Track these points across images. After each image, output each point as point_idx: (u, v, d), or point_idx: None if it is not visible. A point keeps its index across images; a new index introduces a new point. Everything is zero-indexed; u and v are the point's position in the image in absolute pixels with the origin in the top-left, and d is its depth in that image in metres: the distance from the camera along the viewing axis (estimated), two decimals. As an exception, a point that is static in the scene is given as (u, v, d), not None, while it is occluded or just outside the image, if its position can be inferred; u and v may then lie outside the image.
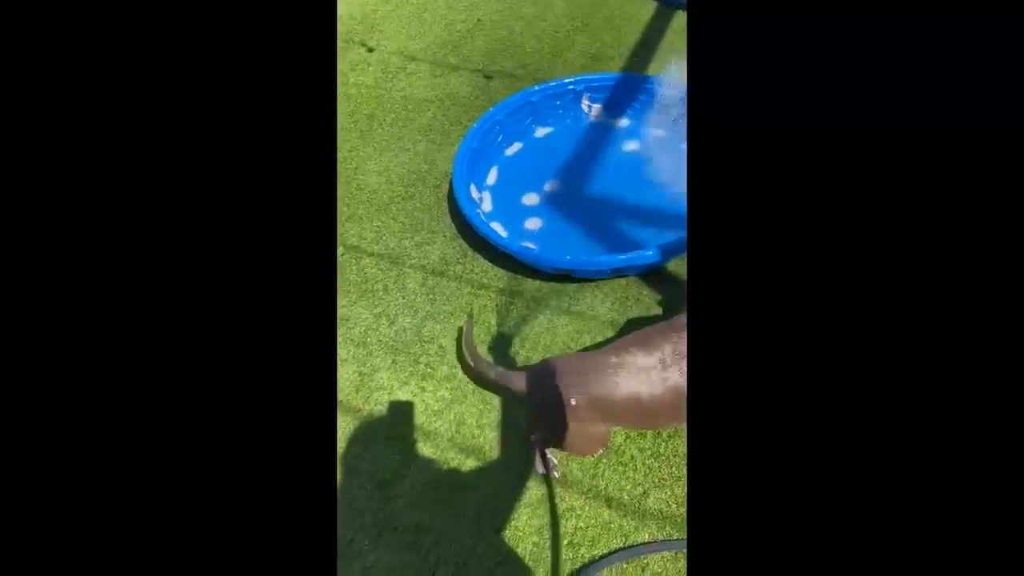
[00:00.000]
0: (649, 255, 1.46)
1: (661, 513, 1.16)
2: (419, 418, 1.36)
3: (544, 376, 1.16)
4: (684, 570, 1.10)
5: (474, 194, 1.81)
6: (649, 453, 1.25)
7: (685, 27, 2.32)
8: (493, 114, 1.94)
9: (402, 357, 1.48)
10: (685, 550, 1.11)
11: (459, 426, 1.34)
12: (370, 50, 2.51)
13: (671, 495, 1.18)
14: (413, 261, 1.70)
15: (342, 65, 2.44)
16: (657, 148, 1.89)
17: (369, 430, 1.36)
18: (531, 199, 1.83)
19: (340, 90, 2.32)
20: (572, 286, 1.58)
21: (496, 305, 1.57)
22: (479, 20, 2.59)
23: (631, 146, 1.93)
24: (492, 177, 1.92)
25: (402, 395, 1.41)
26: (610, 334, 1.46)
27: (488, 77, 2.31)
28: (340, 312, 1.60)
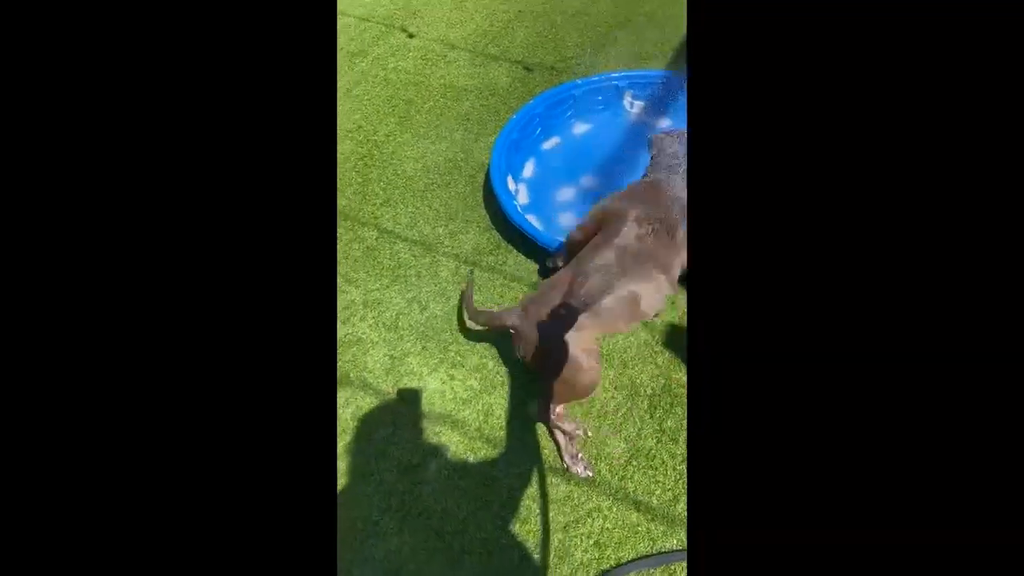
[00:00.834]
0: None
1: (690, 519, 1.14)
2: (447, 406, 1.36)
3: (535, 303, 1.21)
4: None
5: (511, 186, 1.80)
6: (680, 458, 1.23)
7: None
8: (534, 106, 1.93)
9: (432, 344, 1.48)
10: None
11: (487, 416, 1.33)
12: (410, 36, 2.50)
13: (701, 501, 1.16)
14: (446, 249, 1.70)
15: (381, 50, 2.44)
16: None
17: (397, 414, 1.36)
18: (567, 194, 1.81)
19: (379, 75, 2.32)
20: (606, 284, 1.56)
21: (529, 298, 1.56)
22: (520, 11, 2.57)
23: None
24: (529, 170, 1.91)
25: (431, 381, 1.41)
26: (642, 333, 1.44)
27: (528, 69, 2.30)
28: (372, 295, 1.60)
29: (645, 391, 1.34)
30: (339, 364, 1.45)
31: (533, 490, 1.21)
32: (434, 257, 1.68)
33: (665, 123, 1.97)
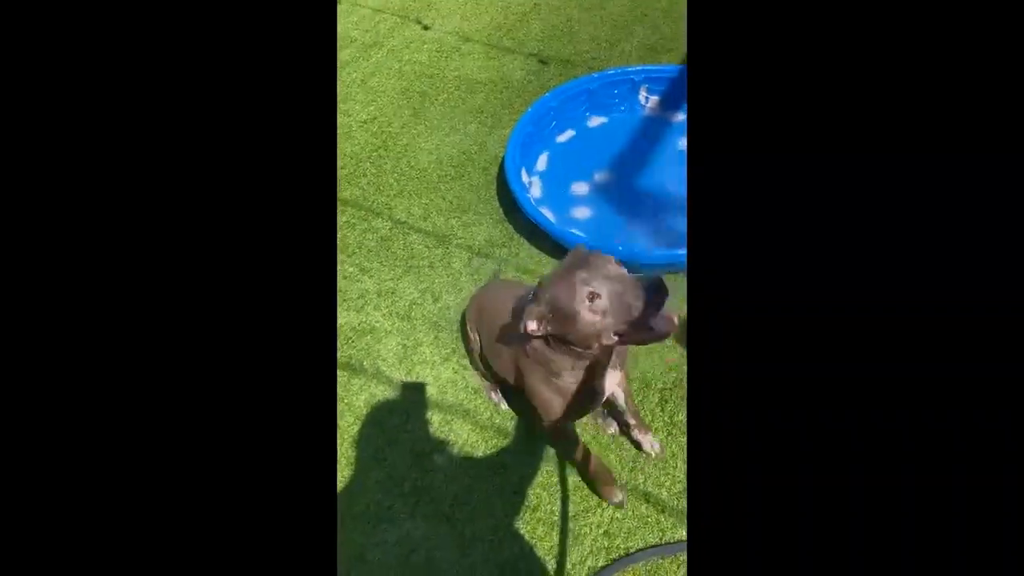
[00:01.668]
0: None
1: (699, 512, 1.15)
2: (459, 395, 1.37)
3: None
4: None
5: (524, 179, 1.80)
6: (690, 451, 1.24)
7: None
8: (549, 99, 1.93)
9: (445, 334, 1.49)
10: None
11: (497, 406, 1.35)
12: (425, 28, 2.51)
13: (711, 495, 1.17)
14: (459, 240, 1.71)
15: (396, 41, 2.45)
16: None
17: (410, 402, 1.37)
18: (580, 188, 1.81)
19: (394, 66, 2.32)
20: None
21: (541, 291, 1.57)
22: (536, 4, 2.56)
23: (685, 143, 1.89)
24: (542, 163, 1.91)
25: (444, 371, 1.42)
26: (656, 329, 1.44)
27: (543, 62, 2.29)
28: (385, 285, 1.61)
29: (656, 385, 1.34)
30: (353, 352, 1.47)
31: (543, 479, 1.22)
32: (447, 248, 1.69)
33: (680, 117, 1.96)
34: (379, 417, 1.35)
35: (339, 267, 1.65)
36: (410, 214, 1.80)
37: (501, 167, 1.84)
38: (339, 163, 1.95)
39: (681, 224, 1.67)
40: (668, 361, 1.37)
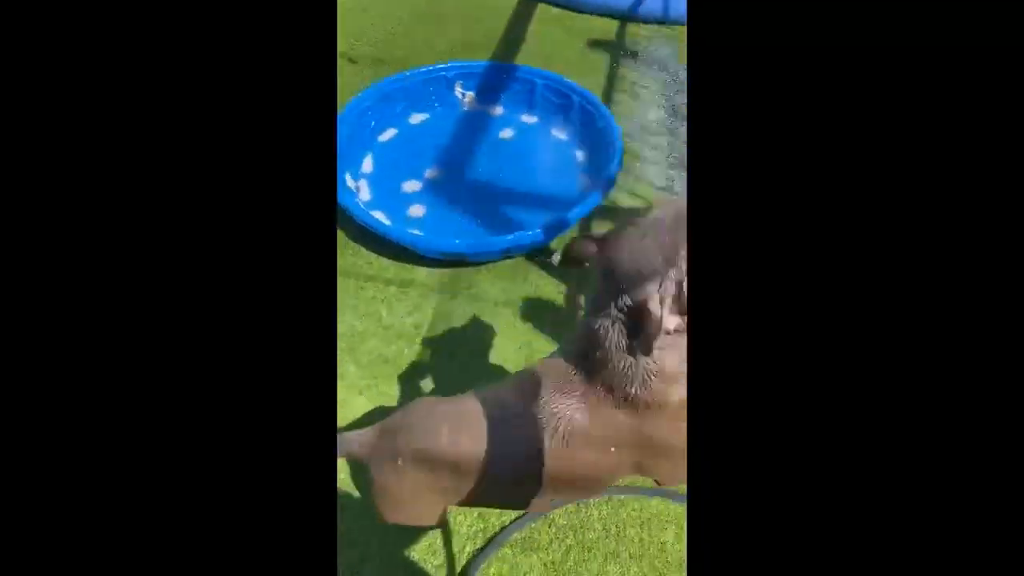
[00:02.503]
0: (535, 234, 1.51)
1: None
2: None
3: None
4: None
5: (349, 183, 1.71)
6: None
7: (547, 18, 2.45)
8: (362, 99, 1.85)
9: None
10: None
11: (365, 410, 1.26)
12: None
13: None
14: (286, 257, 1.55)
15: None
16: (531, 135, 1.96)
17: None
18: (412, 186, 1.78)
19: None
20: (462, 271, 1.57)
21: (385, 296, 1.51)
22: (340, 3, 2.43)
23: (506, 133, 1.97)
24: (368, 165, 1.83)
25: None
26: (506, 312, 1.48)
27: (352, 61, 2.19)
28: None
29: (512, 366, 1.38)
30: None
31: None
32: (273, 268, 1.52)
33: (499, 111, 2.04)
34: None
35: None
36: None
37: (322, 173, 1.71)
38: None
39: (509, 210, 1.74)
40: None
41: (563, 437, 0.73)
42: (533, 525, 1.12)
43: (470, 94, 2.05)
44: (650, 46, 2.30)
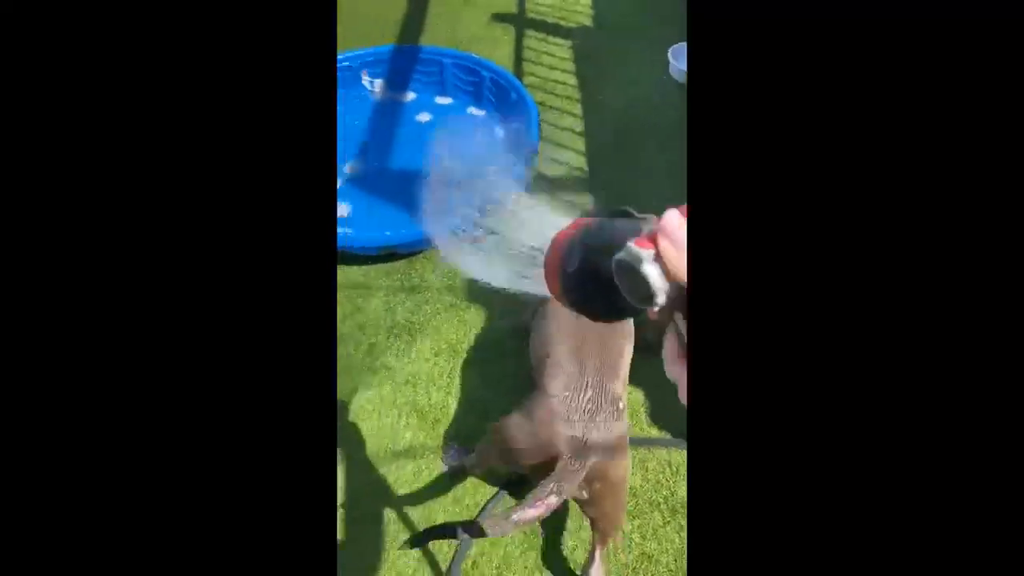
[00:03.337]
0: (465, 215, 1.51)
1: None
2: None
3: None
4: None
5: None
6: (507, 399, 1.33)
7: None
8: (265, 100, 1.75)
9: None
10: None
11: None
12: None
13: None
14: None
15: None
16: (447, 115, 1.94)
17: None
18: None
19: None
20: (398, 263, 1.55)
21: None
22: None
23: (423, 117, 1.94)
24: (282, 169, 1.75)
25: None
26: (450, 299, 1.49)
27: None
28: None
29: (462, 347, 1.39)
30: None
31: (384, 483, 1.18)
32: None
33: (411, 96, 2.00)
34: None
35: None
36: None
37: (234, 184, 1.62)
38: None
39: (439, 196, 1.73)
40: None
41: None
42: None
43: (379, 82, 1.99)
44: (553, 15, 2.31)
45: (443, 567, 1.08)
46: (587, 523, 1.02)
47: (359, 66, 1.94)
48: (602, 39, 2.20)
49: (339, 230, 1.55)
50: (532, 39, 2.21)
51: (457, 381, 1.33)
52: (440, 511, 1.14)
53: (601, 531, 0.99)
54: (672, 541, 1.11)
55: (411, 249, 1.56)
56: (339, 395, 1.30)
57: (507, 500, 1.15)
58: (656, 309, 0.30)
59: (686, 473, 1.12)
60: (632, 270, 0.29)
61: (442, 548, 1.09)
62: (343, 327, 1.42)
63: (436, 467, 1.21)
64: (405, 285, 1.51)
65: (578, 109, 1.95)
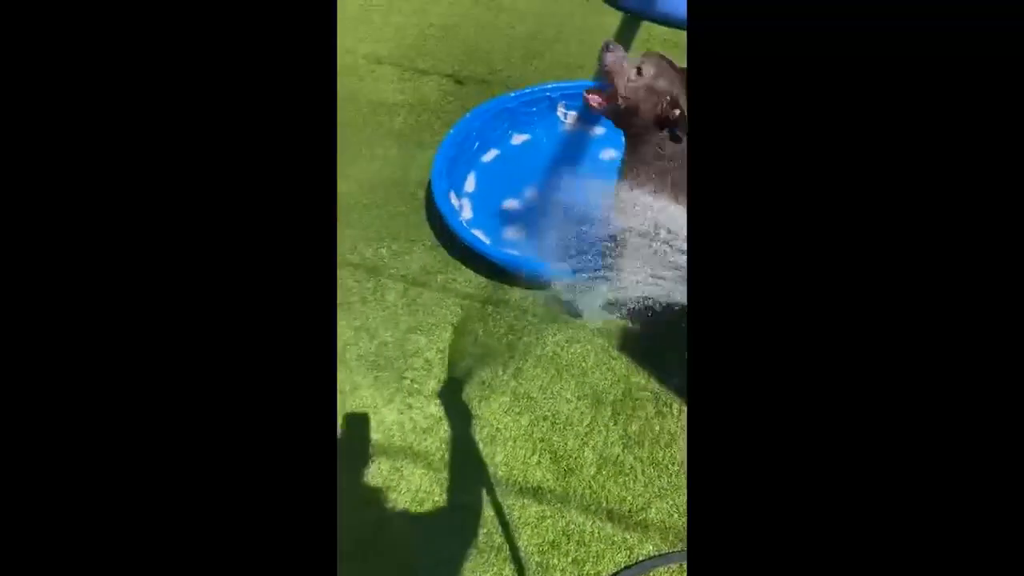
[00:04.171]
0: (636, 262, 1.46)
1: (664, 524, 1.15)
2: (407, 438, 1.29)
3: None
4: (690, 580, 1.09)
5: (454, 201, 1.76)
6: (648, 462, 1.24)
7: (650, 37, 2.39)
8: (470, 121, 1.91)
9: (385, 373, 1.40)
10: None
11: (449, 443, 1.28)
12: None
13: (672, 505, 1.17)
14: (392, 271, 1.63)
15: (304, 67, 2.33)
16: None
17: (352, 452, 1.27)
18: (511, 205, 1.80)
19: (303, 93, 2.21)
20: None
21: (482, 315, 1.53)
22: (446, 26, 2.55)
23: (608, 154, 1.94)
24: (470, 184, 1.88)
25: (387, 414, 1.33)
26: (600, 341, 1.44)
27: (459, 82, 2.27)
28: (315, 327, 1.50)
29: (607, 398, 1.34)
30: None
31: (505, 513, 1.17)
32: (379, 280, 1.61)
33: (599, 131, 2.01)
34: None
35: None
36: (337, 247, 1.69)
37: (428, 191, 1.79)
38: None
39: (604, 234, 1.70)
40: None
41: None
42: None
43: (572, 114, 2.04)
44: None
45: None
46: None
47: (559, 97, 2.02)
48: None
49: (508, 252, 1.60)
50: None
51: (596, 434, 1.28)
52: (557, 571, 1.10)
53: None
54: None
55: (576, 280, 1.55)
56: (477, 411, 1.33)
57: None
58: None
59: None
60: None
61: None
62: (494, 342, 1.46)
63: (562, 522, 1.16)
64: (559, 318, 1.51)
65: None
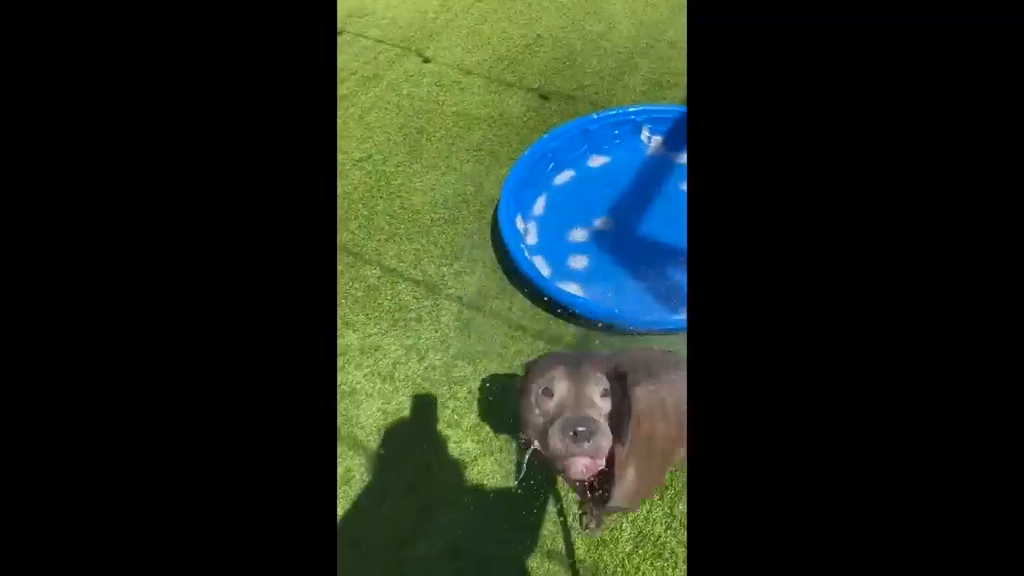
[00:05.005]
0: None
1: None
2: (443, 471, 1.28)
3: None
4: None
5: (519, 224, 1.72)
6: (689, 544, 1.13)
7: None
8: (548, 140, 1.85)
9: (428, 399, 1.40)
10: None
11: (483, 483, 1.25)
12: (426, 60, 2.46)
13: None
14: (450, 291, 1.63)
15: (396, 74, 2.40)
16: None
17: (387, 478, 1.29)
18: (578, 235, 1.72)
19: (392, 101, 2.27)
20: (615, 338, 1.46)
21: (532, 352, 1.48)
22: (539, 35, 2.50)
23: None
24: (539, 206, 1.83)
25: (426, 443, 1.33)
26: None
27: (544, 97, 2.22)
28: (369, 341, 1.54)
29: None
30: (332, 415, 1.39)
31: (539, 568, 1.12)
32: (436, 300, 1.61)
33: (682, 159, 1.87)
34: (353, 494, 1.27)
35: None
36: (400, 260, 1.72)
37: (496, 213, 1.76)
38: (330, 205, 1.90)
39: (680, 276, 1.57)
40: None
41: None
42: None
43: (657, 138, 1.91)
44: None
45: None
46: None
47: (644, 120, 1.90)
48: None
49: (566, 287, 1.53)
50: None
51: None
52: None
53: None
54: None
55: (634, 330, 1.45)
56: (513, 458, 1.29)
57: None
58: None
59: None
60: None
61: None
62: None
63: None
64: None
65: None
